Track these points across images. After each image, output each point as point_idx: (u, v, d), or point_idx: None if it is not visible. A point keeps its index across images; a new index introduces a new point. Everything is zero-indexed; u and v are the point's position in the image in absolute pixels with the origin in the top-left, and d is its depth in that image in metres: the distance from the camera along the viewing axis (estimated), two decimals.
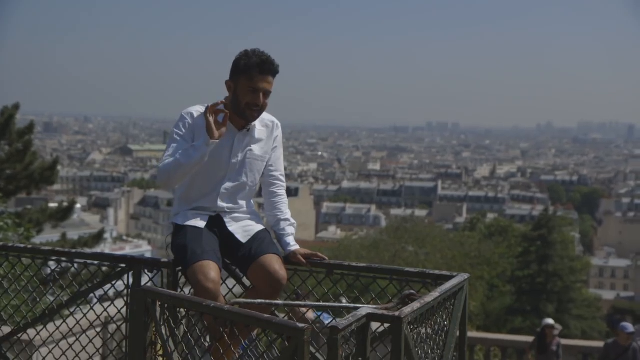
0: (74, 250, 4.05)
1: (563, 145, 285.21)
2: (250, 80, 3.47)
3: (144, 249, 64.61)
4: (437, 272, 3.47)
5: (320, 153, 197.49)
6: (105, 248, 43.05)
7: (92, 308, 3.88)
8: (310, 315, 5.05)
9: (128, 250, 56.00)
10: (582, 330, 33.63)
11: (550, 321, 10.47)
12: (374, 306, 3.10)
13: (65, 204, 17.67)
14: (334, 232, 78.20)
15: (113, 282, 3.82)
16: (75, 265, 4.02)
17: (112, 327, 4.89)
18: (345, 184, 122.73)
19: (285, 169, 4.04)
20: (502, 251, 37.47)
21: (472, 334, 12.90)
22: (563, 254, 37.23)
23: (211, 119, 3.37)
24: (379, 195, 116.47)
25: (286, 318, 3.35)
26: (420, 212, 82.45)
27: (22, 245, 4.16)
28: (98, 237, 17.68)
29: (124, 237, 72.73)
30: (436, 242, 33.21)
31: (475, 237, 38.66)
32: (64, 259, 3.99)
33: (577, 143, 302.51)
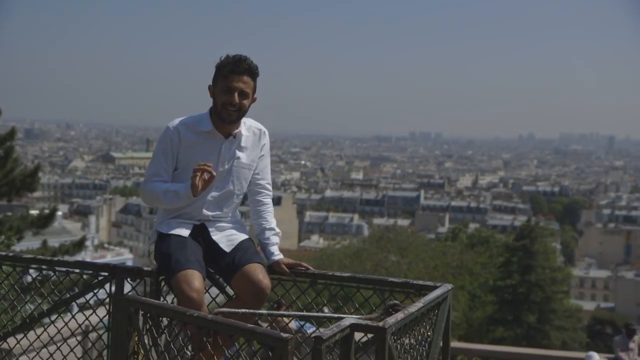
0: (55, 259, 4.02)
1: (544, 156, 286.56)
2: (225, 79, 3.49)
3: (125, 256, 64.06)
4: (420, 282, 3.48)
5: (303, 162, 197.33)
6: (87, 256, 42.75)
7: (73, 317, 3.85)
8: (293, 325, 5.04)
9: (109, 258, 55.54)
10: (563, 341, 33.80)
11: (597, 357, 9.57)
12: (358, 316, 3.09)
13: (46, 211, 17.52)
14: (316, 241, 78.15)
15: (95, 291, 3.78)
16: (57, 273, 3.98)
17: (93, 336, 4.85)
18: (328, 193, 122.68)
19: None
20: (484, 261, 37.55)
21: (454, 344, 12.82)
22: (545, 264, 37.35)
23: (198, 177, 3.37)
24: (361, 205, 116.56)
25: (268, 328, 3.34)
26: (403, 222, 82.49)
27: (3, 253, 4.11)
28: (79, 245, 17.54)
29: (106, 245, 72.12)
30: (418, 251, 33.27)
31: (458, 246, 38.77)
32: (45, 267, 3.96)
33: (558, 154, 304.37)
